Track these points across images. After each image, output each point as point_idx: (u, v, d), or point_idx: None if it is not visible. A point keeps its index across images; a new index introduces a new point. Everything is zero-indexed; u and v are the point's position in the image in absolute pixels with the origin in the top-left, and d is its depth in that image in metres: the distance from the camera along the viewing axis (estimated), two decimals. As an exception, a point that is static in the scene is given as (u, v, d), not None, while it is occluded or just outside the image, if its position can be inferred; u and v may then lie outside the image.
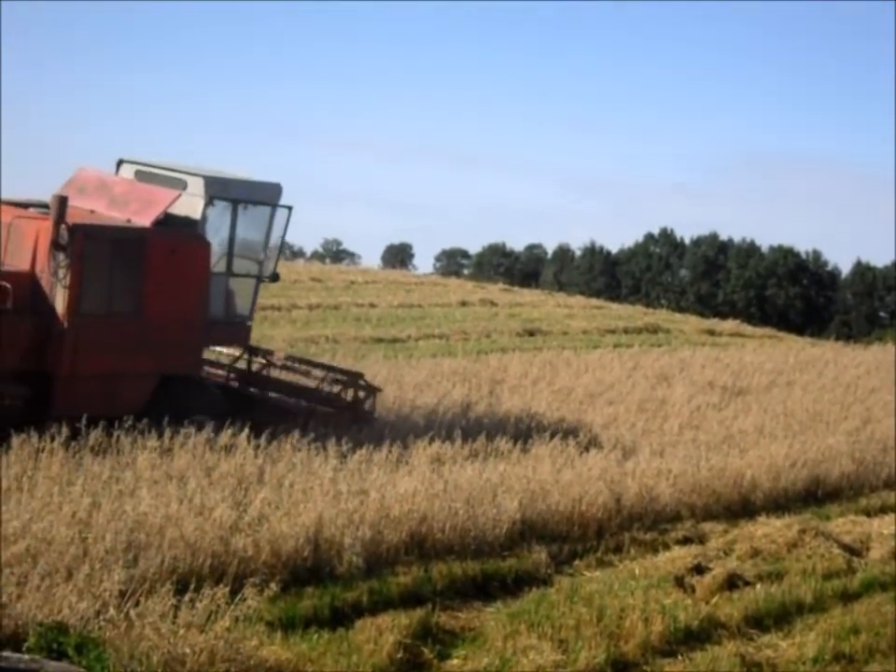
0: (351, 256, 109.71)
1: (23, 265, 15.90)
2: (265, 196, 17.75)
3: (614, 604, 12.43)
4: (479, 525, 14.17)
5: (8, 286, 15.40)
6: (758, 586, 14.00)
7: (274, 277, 18.27)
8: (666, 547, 15.51)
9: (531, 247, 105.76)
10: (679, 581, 13.73)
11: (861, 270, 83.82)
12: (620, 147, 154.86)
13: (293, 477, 14.20)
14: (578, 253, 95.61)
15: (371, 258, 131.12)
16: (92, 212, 16.82)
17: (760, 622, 13.13)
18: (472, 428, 18.62)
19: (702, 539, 16.11)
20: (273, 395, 18.85)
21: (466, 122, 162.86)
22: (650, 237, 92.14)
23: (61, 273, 15.62)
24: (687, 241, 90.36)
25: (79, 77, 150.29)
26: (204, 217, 17.03)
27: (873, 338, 58.84)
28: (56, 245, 15.60)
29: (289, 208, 17.87)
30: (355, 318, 33.46)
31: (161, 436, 14.76)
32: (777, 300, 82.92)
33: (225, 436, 15.32)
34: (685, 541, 15.87)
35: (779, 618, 13.29)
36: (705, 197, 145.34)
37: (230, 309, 17.70)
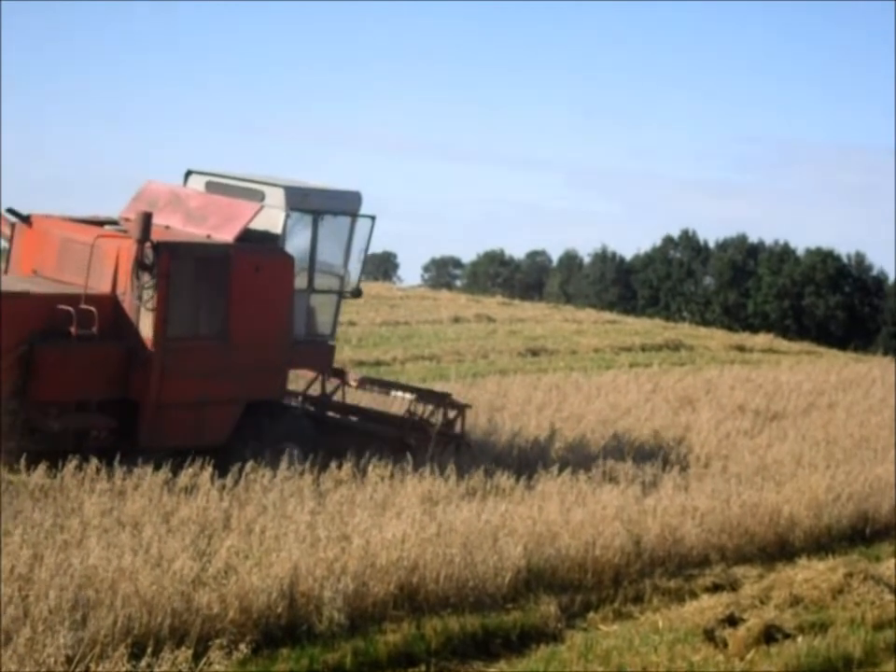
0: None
1: (103, 287, 16.62)
2: (346, 205, 18.75)
3: (635, 662, 12.43)
4: (478, 573, 14.19)
5: (93, 309, 16.11)
6: (799, 639, 13.99)
7: (357, 293, 19.29)
8: (694, 595, 15.53)
9: (533, 254, 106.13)
10: (709, 635, 13.74)
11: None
12: (633, 137, 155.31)
13: (264, 522, 14.21)
14: (587, 260, 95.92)
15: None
16: (167, 228, 17.54)
17: (802, 680, 13.13)
18: (469, 463, 18.65)
19: (734, 586, 16.14)
20: (357, 419, 19.84)
21: (456, 112, 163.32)
22: (669, 240, 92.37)
23: (145, 294, 16.38)
24: (711, 244, 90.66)
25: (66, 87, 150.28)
26: (285, 230, 17.77)
27: (926, 352, 58.98)
28: (140, 265, 16.30)
29: (372, 218, 18.87)
30: (332, 339, 33.44)
31: (111, 477, 14.79)
32: (815, 310, 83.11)
33: (185, 476, 15.38)
34: (715, 589, 15.90)
35: (824, 675, 13.29)
36: (731, 195, 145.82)
37: (311, 328, 18.61)
